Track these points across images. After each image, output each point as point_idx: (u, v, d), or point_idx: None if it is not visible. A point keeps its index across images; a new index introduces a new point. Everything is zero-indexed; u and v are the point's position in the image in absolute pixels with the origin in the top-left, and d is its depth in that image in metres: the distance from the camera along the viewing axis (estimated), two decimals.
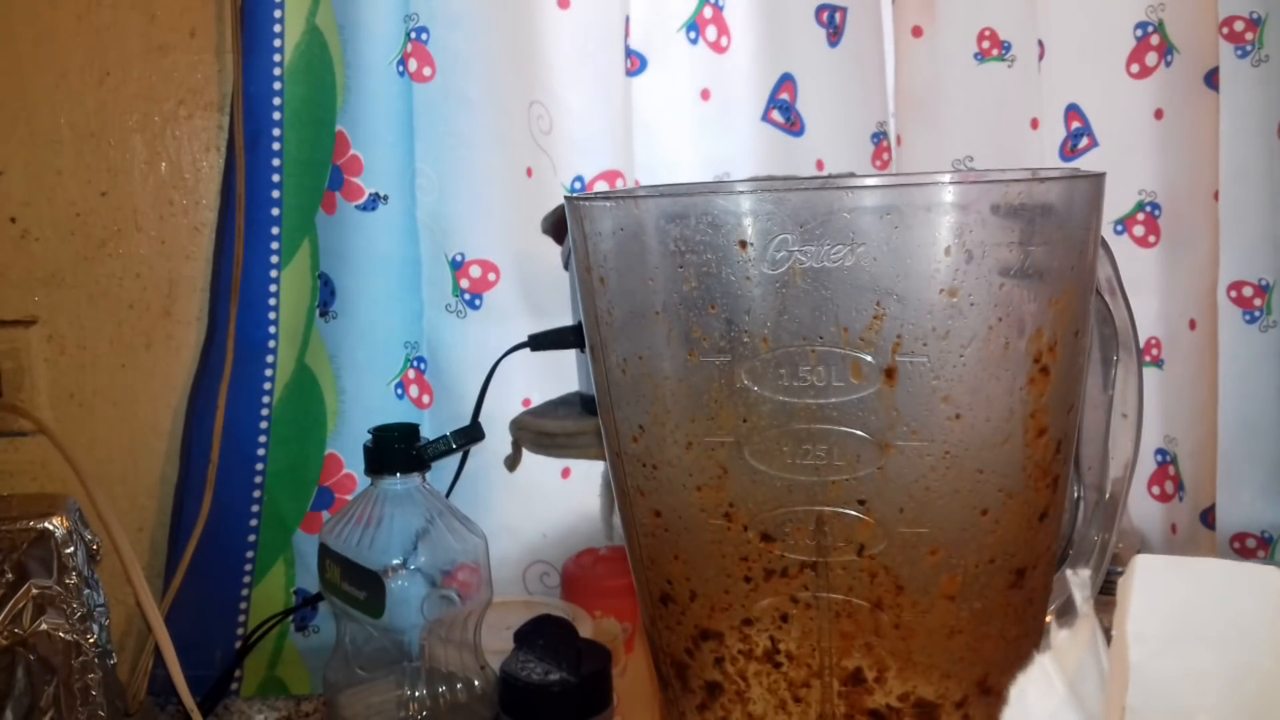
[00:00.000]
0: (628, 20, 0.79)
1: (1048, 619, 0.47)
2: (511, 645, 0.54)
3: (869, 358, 0.39)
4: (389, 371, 0.75)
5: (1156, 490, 0.86)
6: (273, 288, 0.71)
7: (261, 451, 0.71)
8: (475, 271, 0.78)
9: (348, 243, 0.73)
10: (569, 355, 0.75)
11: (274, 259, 0.71)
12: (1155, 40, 0.82)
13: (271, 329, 0.71)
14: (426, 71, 0.75)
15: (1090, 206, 0.41)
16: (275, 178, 0.70)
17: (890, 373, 0.39)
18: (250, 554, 0.72)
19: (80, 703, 0.54)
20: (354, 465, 0.74)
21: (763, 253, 0.39)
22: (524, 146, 0.78)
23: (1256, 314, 0.77)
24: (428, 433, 0.59)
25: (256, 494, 0.71)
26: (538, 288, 0.79)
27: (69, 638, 0.55)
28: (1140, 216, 0.84)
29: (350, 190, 0.72)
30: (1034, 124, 0.82)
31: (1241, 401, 0.77)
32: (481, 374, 0.69)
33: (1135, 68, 0.82)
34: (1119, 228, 0.84)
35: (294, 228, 0.71)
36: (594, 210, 0.43)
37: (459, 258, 0.78)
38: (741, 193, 0.39)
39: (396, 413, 0.75)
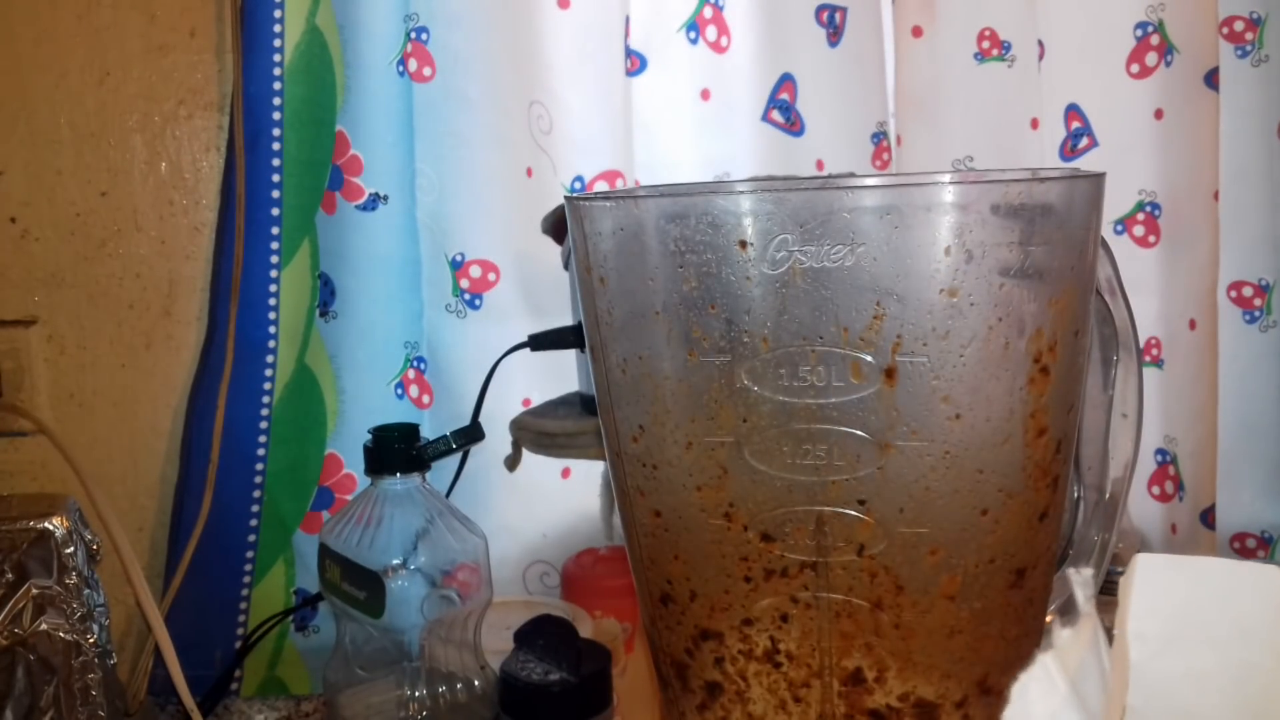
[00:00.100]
0: (628, 20, 0.79)
1: (1048, 619, 0.46)
2: (511, 645, 0.54)
3: (869, 358, 0.39)
4: (389, 371, 0.75)
5: (1156, 490, 0.86)
6: (273, 288, 0.71)
7: (261, 451, 0.71)
8: (475, 271, 0.78)
9: (348, 243, 0.73)
10: (569, 355, 0.75)
11: (274, 259, 0.71)
12: (1155, 40, 0.82)
13: (271, 329, 0.71)
14: (426, 71, 0.75)
15: (1090, 206, 0.41)
16: (275, 178, 0.70)
17: (890, 373, 0.39)
18: (250, 554, 0.72)
19: (80, 703, 0.54)
20: (354, 465, 0.74)
21: (763, 253, 0.39)
22: (524, 146, 0.78)
23: (1256, 314, 0.77)
24: (428, 433, 0.59)
25: (256, 494, 0.71)
26: (538, 288, 0.79)
27: (69, 638, 0.55)
28: (1140, 216, 0.84)
29: (350, 190, 0.72)
30: (1034, 124, 0.82)
31: (1241, 401, 0.77)
32: (481, 374, 0.69)
33: (1135, 68, 0.82)
34: (1119, 228, 0.84)
35: (294, 228, 0.71)
36: (594, 210, 0.43)
37: (459, 258, 0.78)
38: (741, 193, 0.39)
39: (396, 413, 0.75)
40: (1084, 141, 0.84)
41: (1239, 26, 0.75)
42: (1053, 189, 0.39)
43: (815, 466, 0.40)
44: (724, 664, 0.44)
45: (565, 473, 0.82)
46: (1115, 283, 0.47)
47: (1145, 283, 0.84)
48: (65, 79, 0.72)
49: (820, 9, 0.83)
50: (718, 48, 0.82)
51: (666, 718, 0.49)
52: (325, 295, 0.73)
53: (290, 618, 0.74)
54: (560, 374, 0.77)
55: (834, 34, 0.83)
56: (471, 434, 0.61)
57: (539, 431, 0.69)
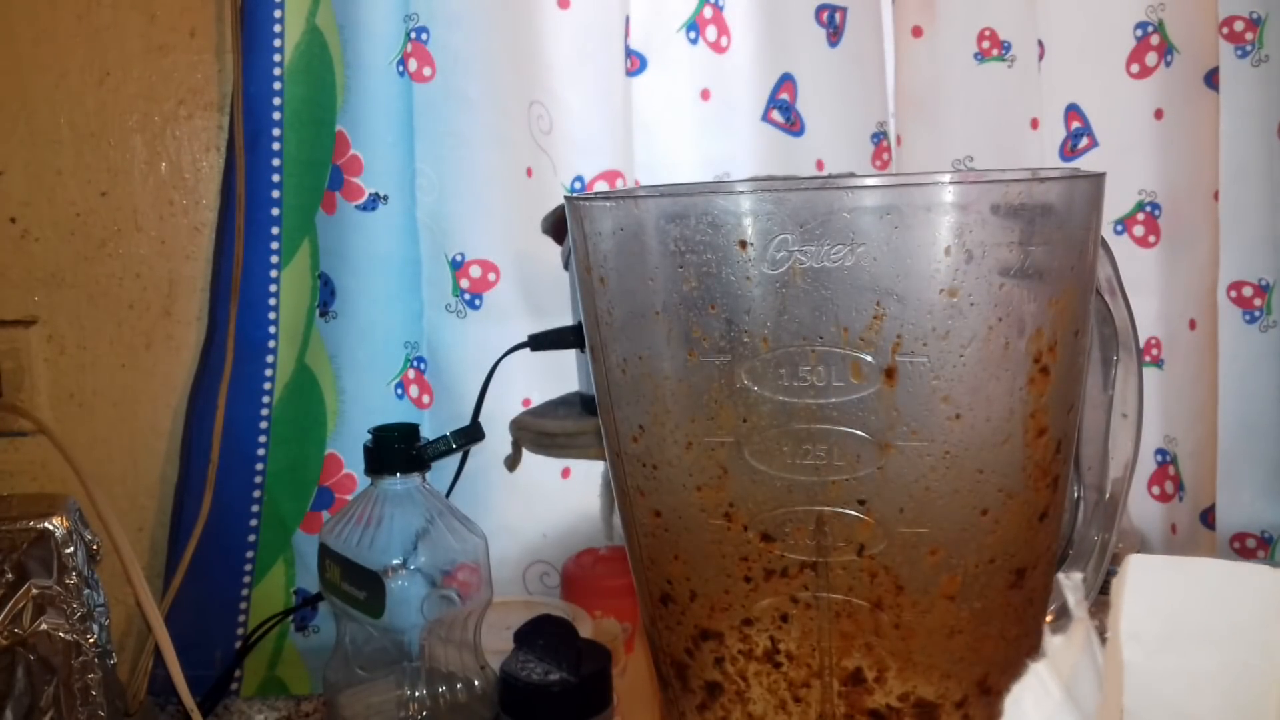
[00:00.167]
0: (628, 20, 0.79)
1: (1048, 619, 0.47)
2: (511, 645, 0.54)
3: (869, 358, 0.39)
4: (389, 371, 0.75)
5: (1156, 490, 0.86)
6: (273, 288, 0.71)
7: (261, 451, 0.71)
8: (475, 271, 0.78)
9: (348, 243, 0.73)
10: (569, 355, 0.75)
11: (274, 259, 0.71)
12: (1155, 40, 0.82)
13: (271, 329, 0.71)
14: (426, 71, 0.75)
15: (1090, 206, 0.41)
16: (275, 178, 0.70)
17: (890, 373, 0.39)
18: (250, 554, 0.72)
19: (80, 703, 0.54)
20: (354, 465, 0.74)
21: (763, 253, 0.39)
22: (524, 146, 0.78)
23: (1256, 314, 0.77)
24: (428, 433, 0.59)
25: (256, 494, 0.71)
26: (538, 288, 0.79)
27: (69, 638, 0.55)
28: (1140, 216, 0.84)
29: (350, 190, 0.72)
30: (1034, 124, 0.82)
31: (1241, 401, 0.77)
32: (481, 374, 0.69)
33: (1135, 68, 0.82)
34: (1119, 228, 0.84)
35: (294, 228, 0.71)
36: (594, 210, 0.43)
37: (459, 258, 0.78)
38: (741, 193, 0.39)
39: (396, 413, 0.75)
40: (1084, 141, 0.84)
41: (1239, 26, 0.75)
42: (1053, 189, 0.39)
43: (815, 466, 0.40)
44: (724, 664, 0.44)
45: (565, 473, 0.82)
46: (1115, 283, 0.47)
47: (1145, 283, 0.84)
48: (65, 79, 0.72)
49: (820, 9, 0.83)
50: (718, 48, 0.82)
51: (666, 718, 0.49)
52: (325, 295, 0.73)
53: (290, 618, 0.74)
54: (560, 374, 0.77)
55: (834, 34, 0.83)
56: (471, 434, 0.61)
57: (539, 431, 0.69)
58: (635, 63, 0.81)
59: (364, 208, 0.72)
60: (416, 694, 0.56)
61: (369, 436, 0.57)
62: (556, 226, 0.71)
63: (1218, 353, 0.78)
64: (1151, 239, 0.84)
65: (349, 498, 0.74)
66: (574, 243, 0.45)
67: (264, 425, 0.71)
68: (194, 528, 0.70)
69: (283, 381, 0.71)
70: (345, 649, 0.58)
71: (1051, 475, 0.42)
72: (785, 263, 0.38)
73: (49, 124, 0.72)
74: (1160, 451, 0.85)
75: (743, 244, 0.39)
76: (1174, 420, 0.84)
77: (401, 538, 0.55)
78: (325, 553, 0.57)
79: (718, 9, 0.82)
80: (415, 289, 0.77)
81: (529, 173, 0.78)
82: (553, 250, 0.75)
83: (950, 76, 0.83)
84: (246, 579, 0.72)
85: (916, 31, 0.84)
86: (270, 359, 0.71)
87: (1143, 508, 0.86)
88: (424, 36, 0.75)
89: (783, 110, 0.83)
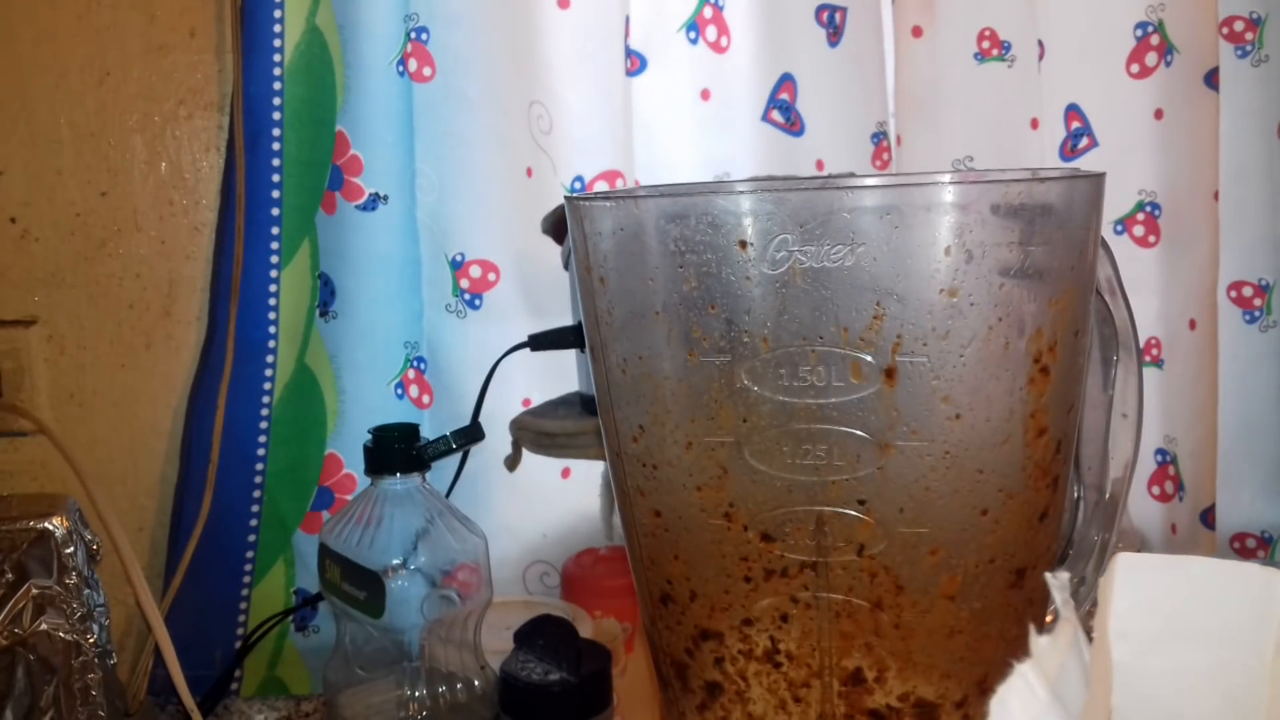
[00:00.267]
0: (628, 20, 0.79)
1: (1048, 619, 0.46)
2: (511, 645, 0.54)
3: (869, 358, 0.39)
4: (389, 371, 0.75)
5: (1156, 490, 0.86)
6: (273, 288, 0.71)
7: (261, 451, 0.71)
8: (475, 271, 0.78)
9: (348, 243, 0.73)
10: (569, 355, 0.75)
11: (274, 259, 0.71)
12: (1155, 40, 0.82)
13: (271, 329, 0.71)
14: (426, 71, 0.75)
15: (1090, 206, 0.41)
16: (275, 178, 0.70)
17: (890, 373, 0.39)
18: (250, 554, 0.72)
19: (80, 703, 0.54)
20: (354, 465, 0.74)
21: (763, 253, 0.39)
22: (524, 146, 0.78)
23: (1256, 314, 0.77)
24: (428, 433, 0.59)
25: (256, 494, 0.71)
26: (538, 288, 0.79)
27: (69, 638, 0.55)
28: (1140, 216, 0.84)
29: (350, 190, 0.72)
30: (1034, 124, 0.82)
31: (1241, 401, 0.77)
32: (481, 374, 0.69)
33: (1135, 68, 0.82)
34: (1119, 228, 0.84)
35: (294, 228, 0.71)
36: (594, 210, 0.43)
37: (459, 258, 0.78)
38: (741, 193, 0.39)
39: (396, 413, 0.75)
40: (1084, 141, 0.84)
41: (1239, 26, 0.75)
42: (1053, 189, 0.39)
43: (815, 466, 0.40)
44: (724, 664, 0.44)
45: (565, 473, 0.82)
46: (1115, 283, 0.47)
47: (1145, 283, 0.84)
48: (65, 79, 0.72)
49: (820, 9, 0.83)
50: (718, 48, 0.82)
51: (666, 718, 0.49)
52: (325, 295, 0.73)
53: (290, 618, 0.74)
54: (560, 374, 0.77)
55: (834, 34, 0.83)
56: (471, 434, 0.61)
57: (539, 431, 0.69)
58: (635, 63, 0.81)
59: (364, 208, 0.72)
60: (416, 694, 0.56)
61: (369, 436, 0.57)
62: (556, 226, 0.71)
63: (1218, 353, 0.78)
64: (1151, 239, 0.84)
65: (349, 498, 0.74)
66: (574, 243, 0.45)
67: (264, 425, 0.71)
68: (194, 528, 0.70)
69: (283, 381, 0.72)
70: (345, 649, 0.58)
71: (1051, 475, 0.42)
72: (785, 263, 0.38)
73: (49, 124, 0.72)
74: (1160, 451, 0.85)
75: (743, 244, 0.39)
76: (1174, 420, 0.84)
77: (401, 538, 0.55)
78: (325, 553, 0.57)
79: (718, 9, 0.82)
80: (415, 289, 0.77)
81: (529, 173, 0.78)
82: (553, 250, 0.75)
83: (950, 76, 0.83)
84: (246, 579, 0.72)
85: (916, 31, 0.84)
86: (270, 359, 0.71)
87: (1143, 508, 0.86)
88: (424, 36, 0.75)
89: (783, 110, 0.83)
